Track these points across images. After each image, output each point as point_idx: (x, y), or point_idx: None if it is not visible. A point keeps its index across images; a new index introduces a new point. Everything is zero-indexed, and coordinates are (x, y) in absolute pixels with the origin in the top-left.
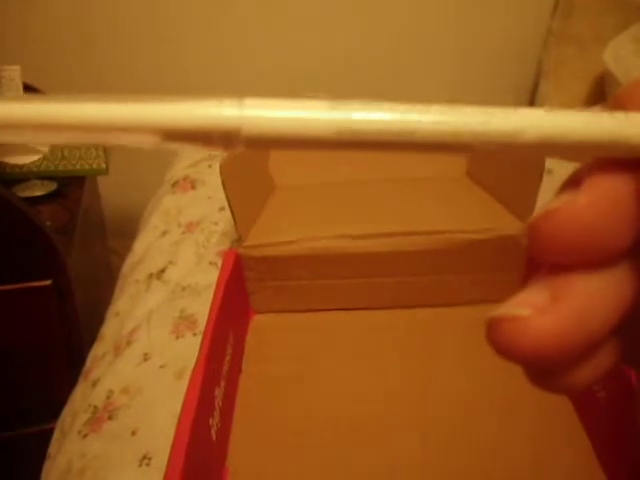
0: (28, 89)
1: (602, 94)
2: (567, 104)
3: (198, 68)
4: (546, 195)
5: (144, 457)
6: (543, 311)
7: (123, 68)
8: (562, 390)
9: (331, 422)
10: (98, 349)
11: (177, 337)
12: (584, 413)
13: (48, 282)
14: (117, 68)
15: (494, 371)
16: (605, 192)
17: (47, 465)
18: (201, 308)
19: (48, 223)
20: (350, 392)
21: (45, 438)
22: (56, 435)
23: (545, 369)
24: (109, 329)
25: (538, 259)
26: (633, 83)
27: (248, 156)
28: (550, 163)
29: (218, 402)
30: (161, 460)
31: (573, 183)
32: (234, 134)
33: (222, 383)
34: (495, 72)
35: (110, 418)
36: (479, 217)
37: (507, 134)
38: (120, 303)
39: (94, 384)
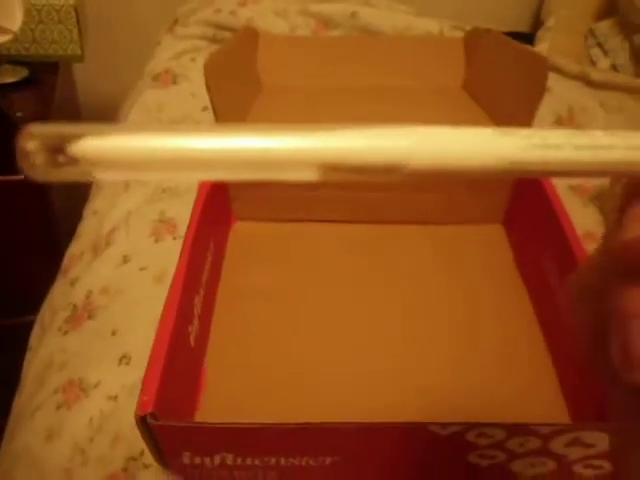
0: None
1: (612, 7)
2: (574, 16)
3: None
4: (541, 113)
5: (124, 356)
6: None
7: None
8: None
9: (307, 330)
10: (75, 248)
11: (156, 240)
12: (551, 337)
13: (22, 176)
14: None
15: (471, 291)
16: None
17: (29, 356)
18: (181, 211)
19: (19, 114)
20: (327, 303)
21: (24, 330)
22: (36, 329)
23: None
24: (86, 228)
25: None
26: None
27: (235, 53)
28: (551, 82)
29: (197, 310)
30: (140, 360)
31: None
32: (399, 167)
33: (201, 291)
34: None
35: (90, 317)
36: (464, 117)
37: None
38: (98, 202)
39: (73, 283)
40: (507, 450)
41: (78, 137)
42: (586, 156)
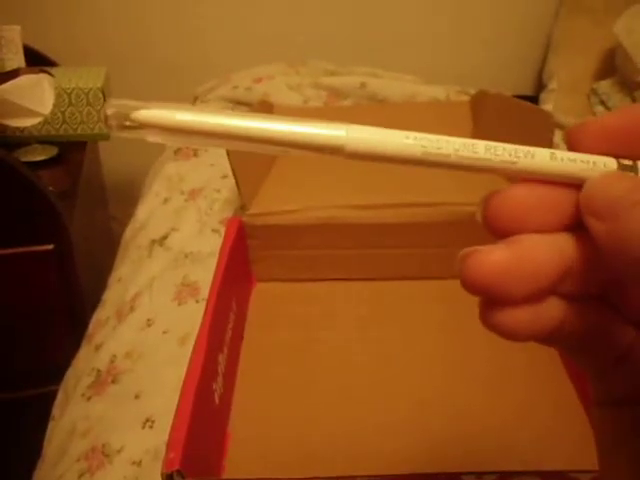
0: (28, 51)
1: (612, 69)
2: (575, 78)
3: (198, 34)
4: None
5: (147, 420)
6: (496, 248)
7: (129, 29)
8: (506, 328)
9: (329, 388)
10: (101, 314)
11: (179, 304)
12: (574, 373)
13: (50, 247)
14: (121, 29)
15: (489, 341)
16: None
17: (51, 426)
18: (203, 275)
19: (50, 188)
20: (349, 360)
21: (47, 400)
22: (60, 397)
23: (496, 299)
24: (112, 294)
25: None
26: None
27: None
28: (557, 139)
29: (221, 368)
30: (164, 423)
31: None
32: (339, 149)
33: (225, 350)
34: (503, 43)
35: (114, 382)
36: (483, 188)
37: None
38: (122, 269)
39: (97, 348)
40: None
41: (139, 108)
42: (454, 159)
